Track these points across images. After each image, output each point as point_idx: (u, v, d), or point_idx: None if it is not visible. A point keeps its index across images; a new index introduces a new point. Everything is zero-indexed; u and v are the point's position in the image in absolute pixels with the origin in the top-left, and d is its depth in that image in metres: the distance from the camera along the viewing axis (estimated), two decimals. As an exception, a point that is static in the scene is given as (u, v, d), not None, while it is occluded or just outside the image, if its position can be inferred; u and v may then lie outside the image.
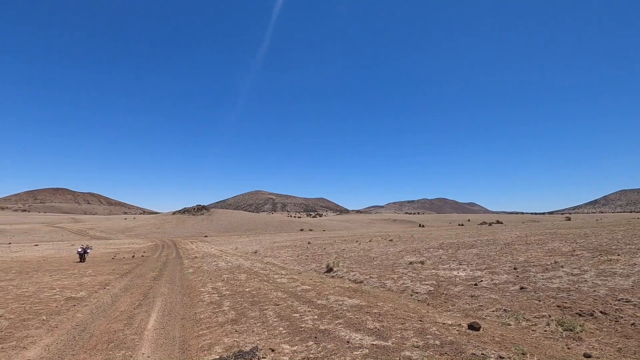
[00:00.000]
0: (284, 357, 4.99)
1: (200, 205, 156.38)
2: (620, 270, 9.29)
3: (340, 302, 8.35)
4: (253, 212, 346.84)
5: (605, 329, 5.45)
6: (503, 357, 4.43)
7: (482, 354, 4.61)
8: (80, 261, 25.33)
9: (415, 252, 19.18)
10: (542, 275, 9.62)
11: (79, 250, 26.75)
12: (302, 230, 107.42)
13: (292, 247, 29.29)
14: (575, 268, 10.38)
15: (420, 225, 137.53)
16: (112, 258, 28.13)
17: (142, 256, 29.43)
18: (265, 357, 5.00)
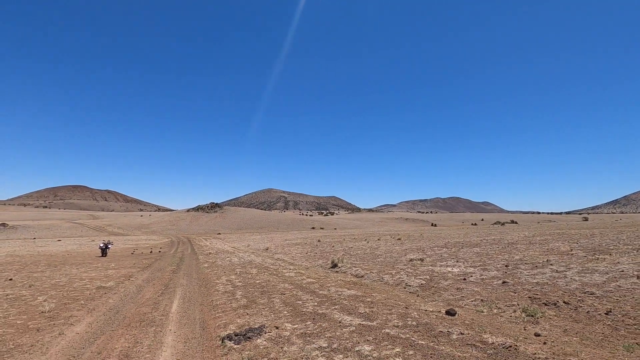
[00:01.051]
0: (286, 332, 6.07)
1: (213, 202, 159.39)
2: (602, 268, 10.01)
3: (340, 293, 9.38)
4: (265, 210, 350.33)
5: (562, 316, 6.30)
6: (463, 333, 5.38)
7: (447, 331, 5.57)
8: (102, 256, 27.00)
9: (419, 251, 20.01)
10: (529, 272, 10.41)
11: (101, 245, 28.48)
12: (313, 228, 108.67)
13: (302, 245, 30.40)
14: (562, 266, 11.11)
15: (432, 225, 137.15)
16: (132, 253, 29.76)
17: (159, 252, 30.99)
18: (270, 332, 6.08)
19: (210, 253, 27.08)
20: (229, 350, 5.52)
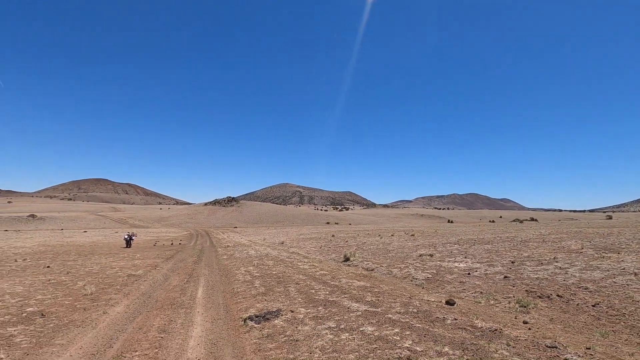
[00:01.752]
0: (300, 315, 6.89)
1: (230, 197, 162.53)
2: (605, 266, 10.39)
3: (350, 284, 10.14)
4: (281, 204, 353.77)
5: (553, 307, 6.85)
6: (457, 319, 6.04)
7: (443, 317, 6.24)
8: (127, 247, 28.59)
9: (430, 247, 20.51)
10: (532, 268, 10.88)
11: (125, 237, 30.12)
12: (328, 223, 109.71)
13: (316, 239, 31.27)
14: (567, 263, 11.51)
15: (448, 221, 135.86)
16: (154, 245, 31.31)
17: (180, 244, 32.45)
18: (286, 315, 6.91)
19: (228, 246, 28.28)
20: (250, 329, 6.37)
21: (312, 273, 12.59)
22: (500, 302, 7.42)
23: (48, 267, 16.39)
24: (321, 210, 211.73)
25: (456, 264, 12.86)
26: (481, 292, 8.34)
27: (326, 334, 5.77)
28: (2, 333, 6.47)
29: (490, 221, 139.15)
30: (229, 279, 12.43)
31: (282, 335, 5.87)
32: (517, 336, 5.23)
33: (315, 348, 5.21)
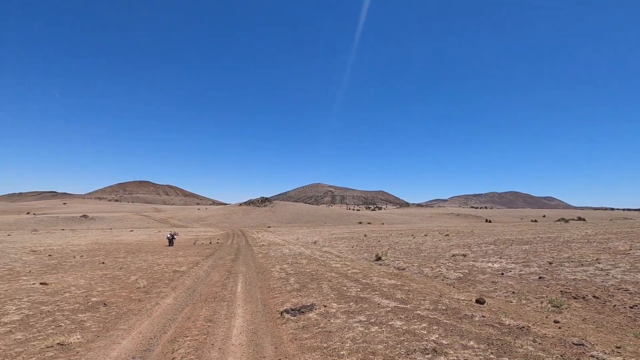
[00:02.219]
0: (332, 310, 7.34)
1: (263, 197, 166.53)
2: (652, 268, 9.91)
3: (381, 282, 10.44)
4: (313, 204, 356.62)
5: (587, 308, 6.78)
6: (485, 317, 6.20)
7: (472, 314, 6.42)
8: (169, 245, 30.44)
9: (464, 247, 20.21)
10: (571, 270, 10.59)
11: (168, 236, 32.06)
12: (360, 223, 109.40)
13: (348, 239, 31.60)
14: (609, 264, 11.07)
15: (486, 221, 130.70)
16: (193, 243, 33.07)
17: (217, 243, 34.01)
18: (320, 309, 7.38)
19: (263, 245, 29.33)
20: (287, 320, 6.91)
21: (344, 271, 13.00)
22: (532, 302, 7.43)
23: (103, 263, 18.00)
24: (353, 210, 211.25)
25: (490, 264, 12.73)
26: (513, 292, 8.33)
27: (357, 326, 6.17)
28: (75, 318, 7.46)
29: (532, 221, 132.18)
30: (265, 275, 13.13)
31: (316, 327, 6.33)
32: (545, 334, 5.33)
33: (347, 338, 5.62)
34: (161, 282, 11.94)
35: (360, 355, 4.93)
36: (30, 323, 7.12)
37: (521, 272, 10.72)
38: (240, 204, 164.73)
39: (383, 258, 16.43)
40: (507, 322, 5.92)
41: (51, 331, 6.60)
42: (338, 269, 13.67)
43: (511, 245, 19.54)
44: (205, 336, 6.16)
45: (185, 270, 14.79)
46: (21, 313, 7.85)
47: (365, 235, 34.91)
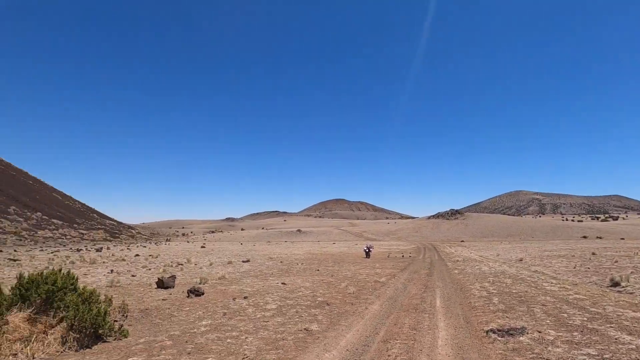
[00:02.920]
0: (549, 337, 6.60)
1: (453, 209, 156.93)
2: None
3: (619, 313, 8.39)
4: (513, 215, 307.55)
5: None
6: None
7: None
8: (366, 257, 33.30)
9: None
10: None
11: (365, 248, 35.18)
12: (584, 237, 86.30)
13: (567, 257, 26.00)
14: None
15: None
16: (387, 256, 34.92)
17: (410, 256, 34.68)
18: (532, 334, 6.79)
19: (457, 260, 27.99)
20: (493, 340, 6.72)
21: (562, 296, 11.07)
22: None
23: (317, 270, 21.79)
24: (571, 220, 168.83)
25: None
26: None
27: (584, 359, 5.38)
28: (310, 312, 9.70)
29: None
30: (464, 293, 12.77)
31: (530, 352, 5.91)
32: None
33: (571, 371, 5.04)
34: (366, 290, 13.58)
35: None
36: (283, 312, 9.76)
37: None
38: (429, 217, 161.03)
39: (623, 284, 12.86)
40: None
41: (297, 319, 8.87)
42: (554, 293, 11.73)
43: None
44: (412, 342, 6.82)
45: (384, 282, 16.14)
46: (276, 304, 10.83)
47: (593, 254, 27.75)
